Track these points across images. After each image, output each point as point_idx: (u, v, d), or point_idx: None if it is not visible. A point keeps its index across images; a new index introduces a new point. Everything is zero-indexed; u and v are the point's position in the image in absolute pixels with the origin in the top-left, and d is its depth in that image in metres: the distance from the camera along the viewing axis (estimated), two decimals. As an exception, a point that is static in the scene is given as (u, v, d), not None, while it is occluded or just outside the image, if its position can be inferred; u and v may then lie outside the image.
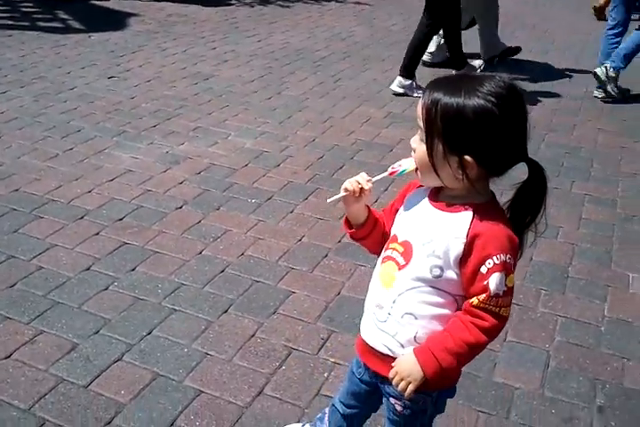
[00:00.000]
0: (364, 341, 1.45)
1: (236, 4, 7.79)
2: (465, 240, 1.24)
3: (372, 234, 1.45)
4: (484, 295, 1.24)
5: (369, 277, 2.60)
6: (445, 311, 1.31)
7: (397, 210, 1.44)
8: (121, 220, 3.00)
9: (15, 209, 3.03)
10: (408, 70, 4.92)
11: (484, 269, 1.23)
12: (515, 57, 5.95)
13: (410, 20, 7.45)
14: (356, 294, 2.57)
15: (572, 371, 2.25)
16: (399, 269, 1.32)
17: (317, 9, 7.85)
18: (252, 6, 7.71)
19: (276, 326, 2.37)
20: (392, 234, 1.40)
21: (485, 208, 1.27)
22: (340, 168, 3.66)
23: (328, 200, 1.42)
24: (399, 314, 1.33)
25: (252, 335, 2.32)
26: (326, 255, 2.83)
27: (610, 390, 2.17)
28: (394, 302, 1.33)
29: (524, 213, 1.29)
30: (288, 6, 7.83)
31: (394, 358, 1.35)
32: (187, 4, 7.50)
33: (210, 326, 2.35)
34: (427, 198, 1.34)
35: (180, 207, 3.15)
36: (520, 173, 1.32)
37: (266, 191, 3.35)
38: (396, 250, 1.34)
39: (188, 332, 2.31)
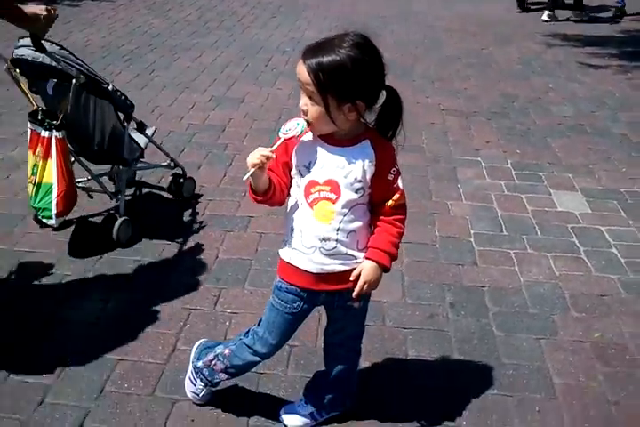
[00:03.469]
0: (313, 274, 1.69)
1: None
2: (375, 162, 1.62)
3: (275, 193, 1.69)
4: (397, 195, 1.68)
5: (239, 239, 2.94)
6: (367, 217, 1.70)
7: (287, 163, 1.67)
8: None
9: None
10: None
11: (390, 177, 1.66)
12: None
13: (203, 10, 7.71)
14: (231, 255, 2.87)
15: (423, 281, 2.75)
16: (334, 202, 1.63)
17: (108, 6, 7.76)
18: (38, 7, 7.43)
19: (170, 295, 2.60)
20: (306, 181, 1.64)
21: (370, 133, 1.64)
22: (182, 151, 3.88)
23: (244, 178, 1.58)
24: (344, 236, 1.66)
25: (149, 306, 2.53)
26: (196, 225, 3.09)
27: (455, 290, 2.71)
28: (338, 229, 1.65)
29: (387, 127, 1.66)
30: (78, 5, 7.65)
31: (350, 270, 1.68)
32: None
33: (107, 306, 2.52)
34: (323, 143, 1.62)
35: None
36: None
37: (117, 182, 3.48)
38: (323, 190, 1.62)
39: (89, 315, 2.46)
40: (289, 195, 1.73)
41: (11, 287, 2.63)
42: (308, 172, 1.65)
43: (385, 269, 1.70)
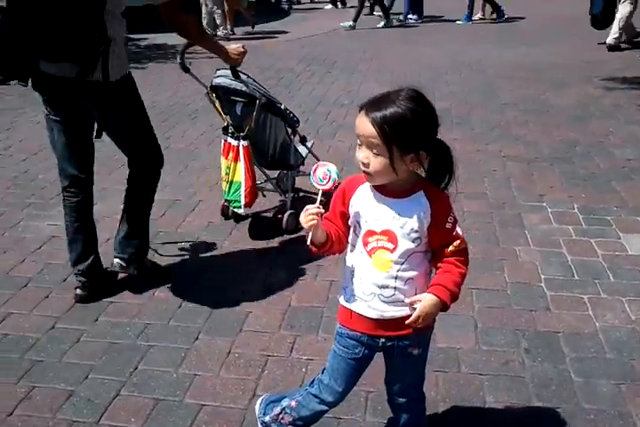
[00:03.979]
0: (373, 320, 1.74)
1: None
2: (430, 212, 1.67)
3: (334, 244, 1.75)
4: (457, 241, 1.70)
5: (310, 287, 3.00)
6: (425, 265, 1.75)
7: (344, 213, 1.75)
8: (65, 280, 3.16)
9: (-46, 289, 3.10)
10: None
11: (448, 226, 1.69)
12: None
13: (261, 68, 8.07)
14: (304, 303, 2.94)
15: (495, 328, 2.75)
16: (392, 251, 1.68)
17: (172, 66, 8.14)
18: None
19: (247, 341, 2.68)
20: (364, 231, 1.70)
21: (423, 183, 1.70)
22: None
23: (308, 243, 1.69)
24: (403, 283, 1.71)
25: (229, 352, 2.61)
26: (268, 275, 3.18)
27: (529, 335, 2.70)
28: (396, 277, 1.70)
29: (439, 177, 1.71)
30: (144, 67, 8.15)
31: (409, 316, 1.71)
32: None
33: (188, 352, 2.61)
34: (379, 195, 1.69)
35: (118, 260, 3.36)
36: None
37: (191, 234, 3.64)
38: (381, 240, 1.68)
39: (171, 361, 2.56)
40: (348, 242, 1.78)
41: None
42: (366, 222, 1.71)
43: (444, 306, 1.71)
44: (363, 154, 1.63)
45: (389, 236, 1.69)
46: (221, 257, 3.39)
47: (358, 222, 1.73)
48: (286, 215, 3.58)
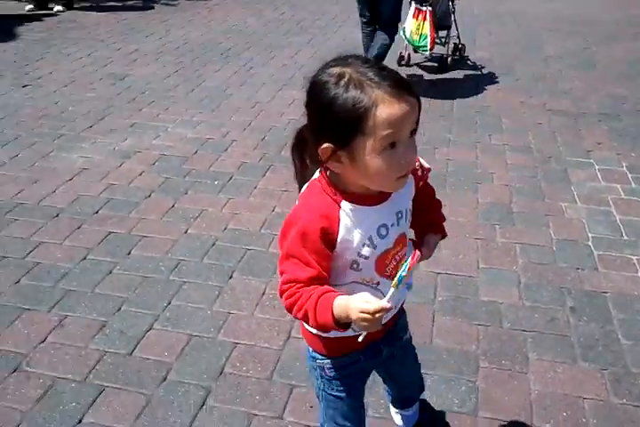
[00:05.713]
0: (386, 325, 1.43)
1: (121, 4, 7.75)
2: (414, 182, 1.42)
3: None
4: None
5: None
6: None
7: (328, 256, 1.26)
8: (97, 213, 3.09)
9: (-16, 215, 3.04)
10: None
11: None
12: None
13: (295, 9, 7.78)
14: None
15: (540, 284, 2.65)
16: (406, 255, 1.36)
17: (204, 5, 7.94)
18: (139, 7, 7.70)
19: (283, 283, 2.60)
20: (375, 257, 1.30)
21: None
22: (285, 145, 3.90)
23: (360, 339, 1.22)
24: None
25: (264, 293, 2.54)
26: (303, 220, 3.07)
27: (575, 294, 2.59)
28: None
29: None
30: (174, 4, 7.88)
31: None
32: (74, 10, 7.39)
33: (222, 291, 2.54)
34: (368, 208, 1.28)
35: (149, 196, 3.27)
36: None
37: (224, 173, 3.53)
38: (398, 253, 1.34)
39: (204, 298, 2.49)
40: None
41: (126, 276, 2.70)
42: (374, 248, 1.29)
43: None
44: (412, 148, 1.20)
45: (402, 241, 1.35)
46: (255, 199, 3.28)
47: (360, 254, 1.29)
48: (449, 59, 5.44)
